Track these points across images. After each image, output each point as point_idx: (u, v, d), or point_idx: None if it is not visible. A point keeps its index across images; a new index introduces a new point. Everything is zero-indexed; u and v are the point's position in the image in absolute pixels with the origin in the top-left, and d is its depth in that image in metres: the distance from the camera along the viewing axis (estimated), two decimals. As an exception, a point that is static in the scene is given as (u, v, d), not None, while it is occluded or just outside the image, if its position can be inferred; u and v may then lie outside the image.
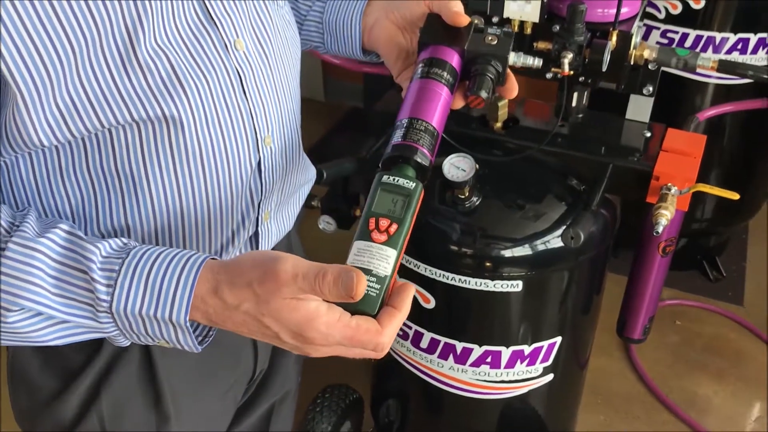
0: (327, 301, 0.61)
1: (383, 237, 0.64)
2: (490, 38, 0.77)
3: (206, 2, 0.71)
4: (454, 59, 0.77)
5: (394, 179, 0.67)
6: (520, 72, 0.95)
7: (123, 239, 0.67)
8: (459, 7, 0.78)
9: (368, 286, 0.62)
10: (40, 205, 0.73)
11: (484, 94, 0.75)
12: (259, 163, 0.79)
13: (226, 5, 0.73)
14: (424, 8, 0.82)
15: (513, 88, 0.81)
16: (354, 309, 0.62)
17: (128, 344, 0.70)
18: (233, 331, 0.65)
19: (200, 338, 0.68)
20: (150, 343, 0.68)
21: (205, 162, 0.74)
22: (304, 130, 0.93)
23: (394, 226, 0.65)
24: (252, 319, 0.62)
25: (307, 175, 0.98)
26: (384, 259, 0.63)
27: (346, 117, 3.16)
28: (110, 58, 0.64)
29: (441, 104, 0.75)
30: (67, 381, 0.81)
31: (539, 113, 1.38)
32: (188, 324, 0.63)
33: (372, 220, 0.65)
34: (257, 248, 0.87)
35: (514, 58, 0.98)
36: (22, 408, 0.86)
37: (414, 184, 0.67)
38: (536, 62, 0.94)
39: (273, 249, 0.91)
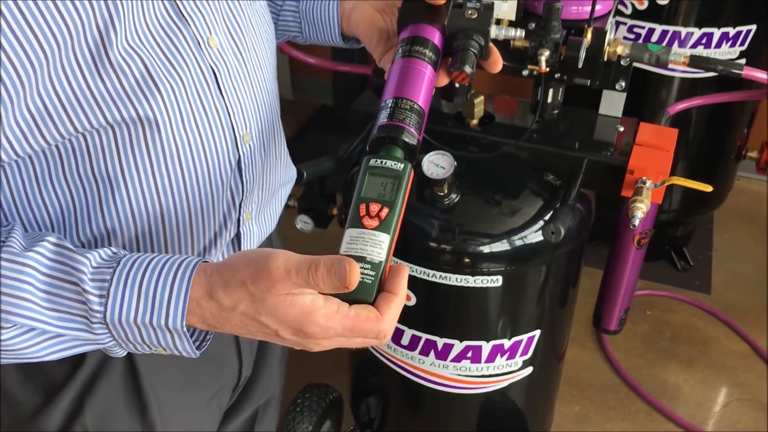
0: (323, 294, 0.61)
1: (375, 222, 0.63)
2: (470, 12, 0.76)
3: (177, 1, 0.70)
4: (436, 36, 0.76)
5: (381, 162, 0.66)
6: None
7: (112, 248, 0.66)
8: None
9: (363, 273, 0.61)
10: (18, 217, 0.71)
11: (468, 69, 0.74)
12: (239, 162, 0.78)
13: (197, 2, 0.72)
14: None
15: (497, 61, 0.80)
16: (351, 298, 0.61)
17: (124, 354, 0.68)
18: (232, 333, 0.64)
19: (197, 343, 0.67)
20: (147, 352, 0.67)
21: (183, 162, 0.73)
22: None
23: (385, 210, 0.64)
24: (250, 319, 0.62)
25: (288, 173, 0.97)
26: (377, 245, 0.62)
27: (316, 115, 3.15)
28: (82, 60, 0.63)
29: (426, 82, 0.73)
30: (49, 395, 0.79)
31: (512, 110, 1.40)
32: (185, 329, 0.63)
33: (362, 206, 0.64)
34: (239, 250, 0.86)
35: (495, 32, 0.98)
36: (3, 424, 0.84)
37: (403, 165, 0.66)
38: (518, 33, 0.93)
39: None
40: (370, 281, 0.61)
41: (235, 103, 0.76)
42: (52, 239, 0.64)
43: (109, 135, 0.67)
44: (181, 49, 0.70)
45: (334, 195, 1.38)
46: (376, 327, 0.61)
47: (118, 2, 0.63)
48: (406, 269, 0.64)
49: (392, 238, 0.63)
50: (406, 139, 0.69)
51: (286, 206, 1.33)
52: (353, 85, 2.77)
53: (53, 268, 0.62)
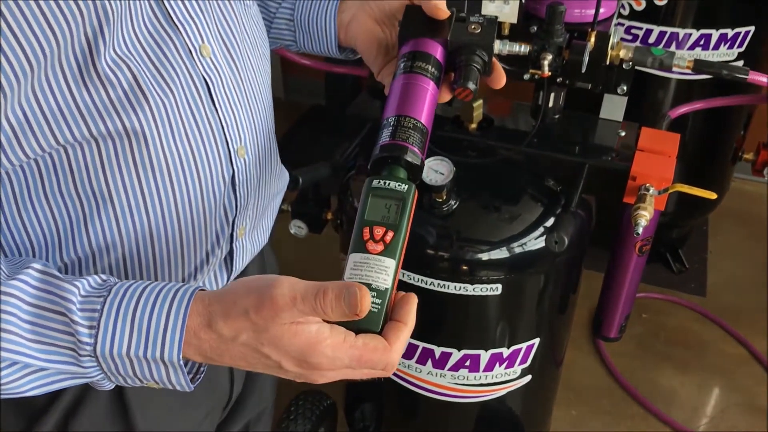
0: (329, 322, 0.58)
1: (380, 247, 0.60)
2: (473, 27, 0.74)
3: (167, 7, 0.66)
4: (438, 51, 0.73)
5: (384, 183, 0.63)
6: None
7: (102, 276, 0.62)
8: None
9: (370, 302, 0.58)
10: None
11: (471, 86, 0.72)
12: (232, 177, 0.74)
13: (189, 8, 0.68)
14: (403, 0, 0.78)
15: (500, 77, 0.77)
16: (356, 327, 0.58)
17: (112, 387, 0.64)
18: (231, 365, 0.60)
19: (191, 375, 0.64)
20: (136, 385, 0.63)
21: (173, 178, 0.69)
22: None
23: (390, 234, 0.61)
24: (251, 351, 0.58)
25: (281, 182, 0.94)
26: (383, 270, 0.59)
27: (308, 115, 3.12)
28: (68, 70, 0.59)
29: (428, 99, 0.71)
30: (31, 421, 0.75)
31: (511, 113, 1.37)
32: (182, 362, 0.59)
33: (366, 230, 0.61)
34: (232, 267, 0.82)
35: (499, 46, 0.95)
36: None
37: (407, 186, 0.63)
38: (523, 49, 0.91)
39: (247, 267, 0.87)
40: (376, 310, 0.58)
41: (229, 115, 0.72)
42: (37, 266, 0.60)
43: (92, 148, 0.63)
44: (171, 59, 0.66)
45: (329, 199, 1.35)
46: (385, 358, 0.57)
47: (109, 10, 0.60)
48: (415, 298, 0.61)
49: (398, 264, 0.61)
50: (410, 159, 0.66)
51: (280, 211, 1.30)
52: (345, 85, 2.74)
53: (39, 297, 0.58)
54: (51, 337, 0.58)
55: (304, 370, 0.58)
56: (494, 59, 0.76)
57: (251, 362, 0.59)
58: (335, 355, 0.57)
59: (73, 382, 0.62)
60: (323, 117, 3.03)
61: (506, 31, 1.07)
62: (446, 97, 0.76)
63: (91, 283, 0.60)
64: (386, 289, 0.59)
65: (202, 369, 0.65)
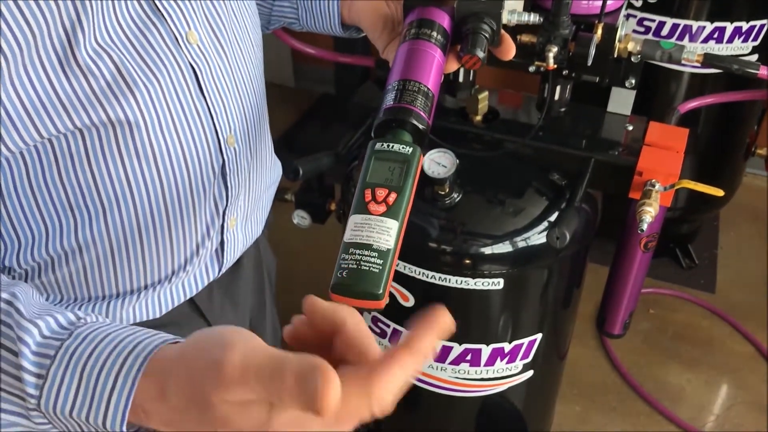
0: None
1: (382, 208, 0.58)
2: None
3: None
4: (445, 20, 0.71)
5: (388, 146, 0.61)
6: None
7: (78, 313, 0.53)
8: None
9: (370, 262, 0.55)
10: None
11: (479, 53, 0.69)
12: (222, 166, 0.73)
13: None
14: None
15: (509, 47, 0.74)
16: (358, 290, 0.54)
17: None
18: None
19: None
20: None
21: (161, 168, 0.67)
22: (275, 117, 0.87)
23: (393, 195, 0.58)
24: (207, 428, 0.45)
25: (275, 174, 0.92)
26: (385, 231, 0.57)
27: (317, 103, 3.10)
28: (47, 62, 0.58)
29: (435, 65, 0.68)
30: None
31: (517, 105, 1.35)
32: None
33: (368, 191, 0.58)
34: (223, 259, 0.80)
35: (508, 16, 0.93)
36: None
37: (411, 149, 0.61)
38: (533, 18, 0.88)
39: (240, 258, 0.85)
40: (377, 270, 0.55)
41: (218, 104, 0.71)
42: (4, 296, 0.52)
43: (77, 139, 0.62)
44: (156, 47, 0.65)
45: (332, 189, 1.34)
46: (366, 401, 0.42)
47: (87, 1, 0.58)
48: (446, 327, 0.47)
49: (401, 226, 0.58)
50: (415, 122, 0.64)
51: (284, 200, 1.29)
52: (355, 74, 2.72)
53: None
54: (2, 381, 0.50)
55: None
56: (502, 30, 0.74)
57: None
58: (300, 429, 0.43)
59: None
60: (332, 105, 3.01)
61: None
62: (453, 66, 0.73)
63: (61, 321, 0.52)
64: (388, 249, 0.56)
65: None
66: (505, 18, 0.77)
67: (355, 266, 0.55)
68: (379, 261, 0.55)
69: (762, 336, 2.13)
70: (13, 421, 0.51)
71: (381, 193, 0.58)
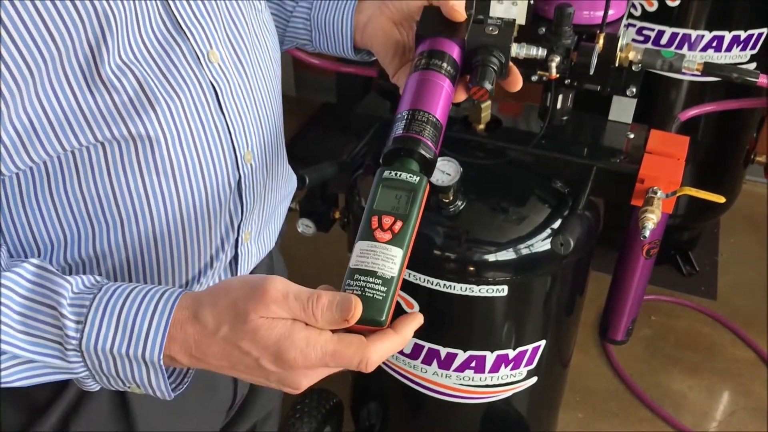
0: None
1: (387, 236, 0.59)
2: (490, 29, 0.73)
3: (174, 12, 0.66)
4: (455, 51, 0.73)
5: (396, 174, 0.63)
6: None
7: (96, 276, 0.62)
8: (457, 0, 0.73)
9: (374, 289, 0.57)
10: (2, 238, 0.67)
11: (488, 85, 0.71)
12: (239, 182, 0.74)
13: (197, 14, 0.68)
14: (421, 1, 0.77)
15: (517, 80, 0.77)
16: (361, 317, 0.57)
17: (98, 388, 0.64)
18: (215, 369, 0.60)
19: (174, 384, 0.63)
20: (120, 388, 0.62)
21: (179, 183, 0.69)
22: None
23: (399, 224, 0.60)
24: (231, 347, 0.57)
25: (289, 186, 0.93)
26: (389, 259, 0.59)
27: (319, 113, 3.12)
28: (72, 77, 0.59)
29: (443, 96, 0.70)
30: (32, 417, 0.75)
31: (519, 114, 1.37)
32: (161, 364, 0.59)
33: (374, 219, 0.60)
34: (236, 271, 0.82)
35: (516, 49, 0.95)
36: None
37: (418, 179, 0.63)
38: (540, 53, 0.90)
39: (254, 270, 0.87)
40: (380, 297, 0.57)
41: (237, 121, 0.72)
42: (34, 260, 0.61)
43: (99, 152, 0.64)
44: (178, 65, 0.66)
45: (336, 198, 1.35)
46: (360, 353, 0.56)
47: (111, 17, 0.60)
48: (421, 318, 0.60)
49: (405, 254, 0.60)
50: (423, 152, 0.65)
51: (288, 209, 1.30)
52: (356, 83, 2.74)
53: (32, 291, 0.59)
54: (40, 330, 0.59)
55: (281, 368, 0.57)
56: (510, 63, 0.75)
57: (233, 362, 0.58)
58: (309, 348, 0.56)
59: (58, 377, 0.62)
60: (334, 115, 3.03)
61: (515, 33, 1.07)
62: (461, 96, 0.75)
63: (85, 282, 0.61)
64: (392, 277, 0.58)
65: (185, 380, 0.64)
66: (514, 51, 0.78)
67: (359, 292, 0.58)
68: (383, 288, 0.58)
69: (763, 342, 2.13)
70: (49, 362, 0.59)
71: (387, 220, 0.60)
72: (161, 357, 0.58)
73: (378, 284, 0.58)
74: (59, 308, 0.58)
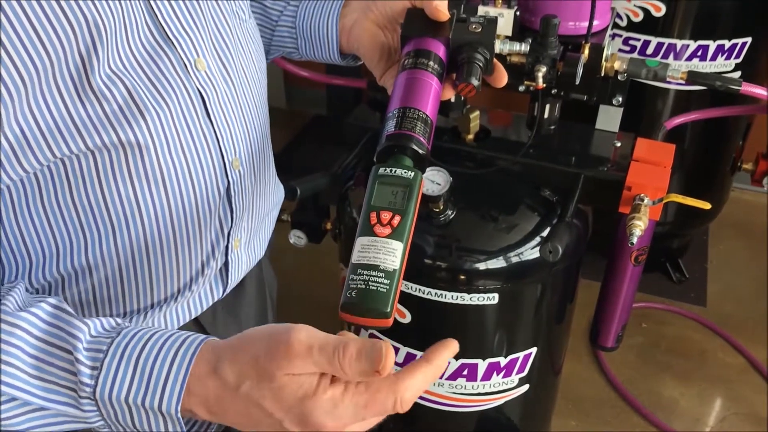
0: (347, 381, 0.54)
1: (387, 230, 0.60)
2: (473, 26, 0.75)
3: (161, 22, 0.67)
4: (440, 50, 0.74)
5: (391, 170, 0.64)
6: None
7: (117, 319, 0.61)
8: (440, 1, 0.74)
9: (377, 282, 0.57)
10: None
11: (474, 81, 0.72)
12: (228, 189, 0.76)
13: (183, 23, 0.69)
14: (405, 3, 0.79)
15: (501, 76, 0.78)
16: (365, 307, 0.57)
17: None
18: (237, 428, 0.57)
19: None
20: None
21: (168, 189, 0.70)
22: None
23: (397, 218, 0.60)
24: (253, 405, 0.54)
25: (277, 195, 0.94)
26: (390, 252, 0.59)
27: (310, 125, 3.14)
28: (63, 87, 0.60)
29: (432, 93, 0.71)
30: None
31: (508, 124, 1.38)
32: (179, 416, 0.56)
33: (373, 214, 0.61)
34: (227, 279, 0.82)
35: (500, 46, 0.96)
36: None
37: (413, 173, 0.64)
38: (523, 48, 0.92)
39: (244, 278, 0.87)
40: (384, 290, 0.57)
41: (224, 128, 0.73)
42: (52, 301, 0.59)
43: (89, 160, 0.64)
44: (166, 73, 0.67)
45: (328, 209, 1.36)
46: (393, 394, 0.52)
47: (101, 27, 0.61)
48: (456, 346, 0.57)
49: (405, 247, 0.60)
50: (416, 148, 0.66)
51: (280, 220, 1.31)
52: (346, 95, 2.76)
53: (47, 333, 0.57)
54: (53, 374, 0.57)
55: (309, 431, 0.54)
56: (495, 59, 0.77)
57: (254, 421, 0.55)
58: (337, 408, 0.53)
59: (71, 426, 0.60)
60: (325, 126, 3.04)
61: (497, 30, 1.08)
62: (449, 94, 0.77)
63: (104, 325, 0.59)
64: (394, 270, 0.58)
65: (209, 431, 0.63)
66: (497, 48, 0.79)
67: (363, 286, 0.58)
68: (386, 281, 0.58)
69: (753, 348, 2.15)
70: (62, 410, 0.57)
71: (386, 215, 0.61)
72: (179, 409, 0.56)
73: (381, 277, 0.58)
74: (75, 353, 0.56)
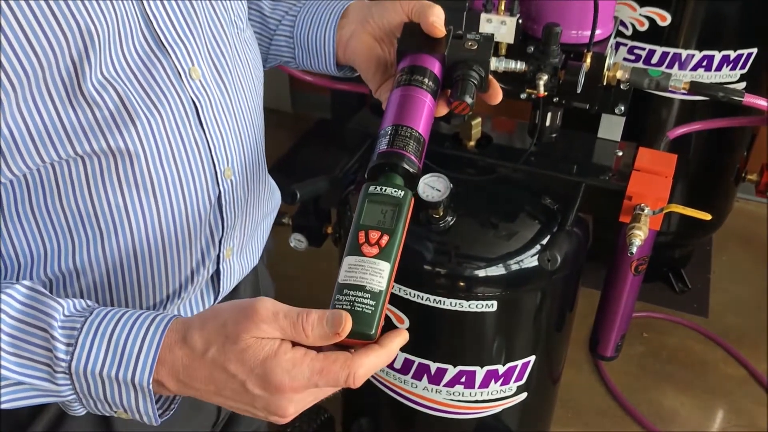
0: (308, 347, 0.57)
1: (374, 250, 0.61)
2: (470, 44, 0.75)
3: (156, 29, 0.67)
4: (435, 66, 0.74)
5: (381, 189, 0.64)
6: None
7: (88, 301, 0.63)
8: (437, 17, 0.74)
9: (362, 303, 0.58)
10: None
11: (468, 99, 0.73)
12: (219, 198, 0.75)
13: (179, 31, 0.68)
14: (402, 17, 0.79)
15: (496, 93, 0.78)
16: (351, 331, 0.58)
17: (83, 413, 0.64)
18: (201, 396, 0.60)
19: (161, 410, 0.64)
20: (107, 413, 0.63)
21: (158, 197, 0.69)
22: (273, 141, 0.88)
23: (386, 238, 0.61)
24: (218, 370, 0.57)
25: (272, 203, 0.94)
26: (377, 273, 0.60)
27: (314, 129, 3.14)
28: (54, 92, 0.60)
29: (425, 111, 0.72)
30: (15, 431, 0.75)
31: (510, 131, 1.38)
32: (150, 388, 0.59)
33: (361, 233, 0.61)
34: (218, 287, 0.82)
35: (496, 63, 0.96)
36: None
37: (403, 193, 0.64)
38: (519, 66, 0.92)
39: (237, 286, 0.87)
40: (369, 311, 0.58)
41: (217, 137, 0.73)
42: (26, 283, 0.61)
43: (78, 166, 0.64)
44: (159, 81, 0.67)
45: (329, 213, 1.36)
46: (347, 368, 0.57)
47: (94, 34, 0.61)
48: (406, 336, 0.61)
49: (392, 267, 0.61)
50: (407, 167, 0.66)
51: (281, 224, 1.31)
52: (351, 100, 2.76)
53: (23, 312, 0.59)
54: (30, 352, 0.59)
55: (268, 392, 0.57)
56: (490, 76, 0.77)
57: (219, 386, 0.58)
58: (295, 370, 0.56)
59: (45, 400, 0.62)
60: (329, 131, 3.05)
61: (503, 51, 1.09)
62: (443, 110, 0.77)
63: (76, 305, 0.62)
64: (380, 291, 0.59)
65: (172, 406, 0.65)
66: (493, 65, 0.79)
67: (348, 307, 0.59)
68: (371, 302, 0.59)
69: (755, 360, 2.14)
70: (37, 384, 0.60)
71: (374, 235, 0.61)
72: (150, 380, 0.58)
73: (367, 298, 0.59)
74: (50, 330, 0.59)
